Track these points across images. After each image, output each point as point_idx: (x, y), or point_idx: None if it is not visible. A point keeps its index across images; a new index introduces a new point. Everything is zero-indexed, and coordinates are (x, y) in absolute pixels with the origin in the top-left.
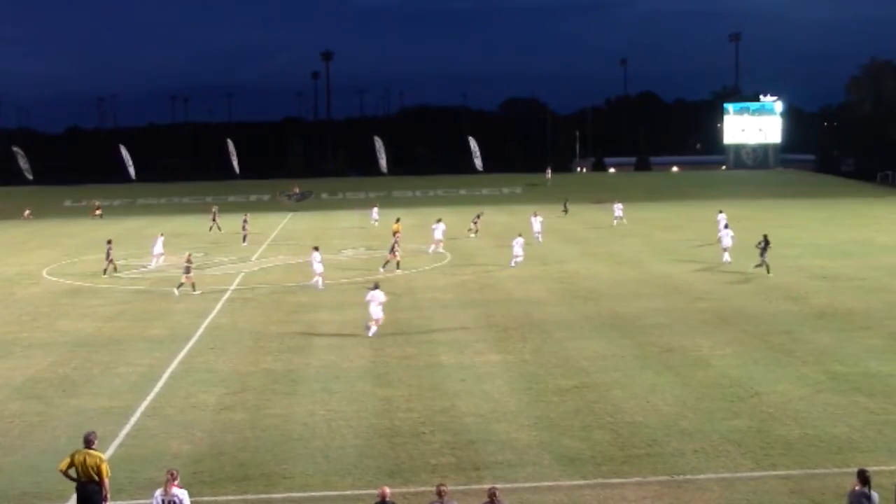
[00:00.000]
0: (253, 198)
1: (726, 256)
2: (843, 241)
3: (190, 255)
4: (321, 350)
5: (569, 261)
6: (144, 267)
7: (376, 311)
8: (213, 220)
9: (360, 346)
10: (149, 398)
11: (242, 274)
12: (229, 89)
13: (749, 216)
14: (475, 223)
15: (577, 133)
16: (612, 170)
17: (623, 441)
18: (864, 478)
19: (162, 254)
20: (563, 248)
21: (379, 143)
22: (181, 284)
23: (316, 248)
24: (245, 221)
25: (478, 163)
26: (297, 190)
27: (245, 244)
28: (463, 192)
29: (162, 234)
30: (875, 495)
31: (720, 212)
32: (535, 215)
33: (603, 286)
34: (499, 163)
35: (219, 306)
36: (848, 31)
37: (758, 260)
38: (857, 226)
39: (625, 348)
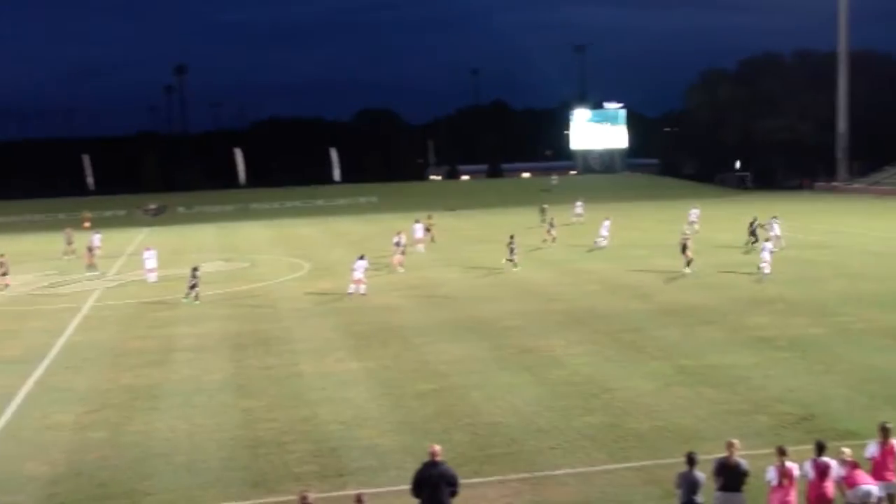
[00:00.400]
0: (108, 213)
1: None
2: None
3: (197, 266)
4: (181, 364)
5: (425, 268)
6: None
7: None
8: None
9: (221, 359)
10: (2, 421)
11: (99, 290)
12: (82, 105)
13: (598, 219)
14: (429, 230)
15: (431, 142)
16: (465, 177)
17: (483, 441)
18: (690, 459)
19: (155, 269)
20: (418, 255)
21: (237, 154)
22: (188, 294)
23: (361, 257)
24: (94, 239)
25: (336, 173)
26: (152, 205)
27: (91, 264)
28: (320, 202)
29: (151, 248)
30: (701, 475)
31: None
32: (418, 222)
33: (459, 291)
34: (355, 173)
35: (75, 323)
36: (686, 42)
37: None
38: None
39: (482, 351)
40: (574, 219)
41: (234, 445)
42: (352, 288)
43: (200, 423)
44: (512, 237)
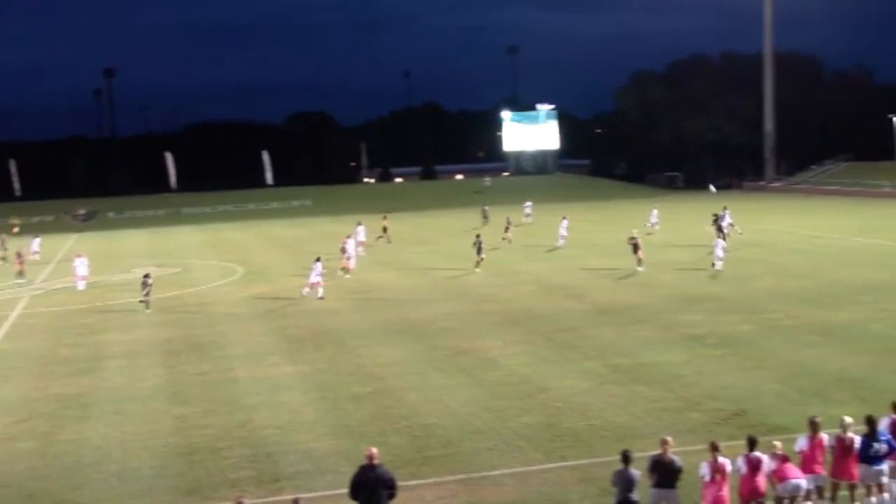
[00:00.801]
0: (36, 219)
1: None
2: (620, 241)
3: (148, 273)
4: (113, 371)
5: (359, 269)
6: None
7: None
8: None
9: (153, 366)
10: None
11: (27, 298)
12: (8, 109)
13: (532, 220)
14: (385, 230)
15: (364, 144)
16: (398, 179)
17: (419, 443)
18: (625, 457)
19: (85, 276)
20: (358, 257)
21: (168, 158)
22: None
23: (318, 259)
24: (34, 244)
25: (269, 177)
26: (81, 211)
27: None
28: (252, 206)
29: (82, 255)
30: (636, 473)
31: (724, 208)
32: (360, 224)
33: (395, 293)
34: (288, 176)
35: (2, 332)
36: (617, 44)
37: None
38: (630, 225)
39: (418, 353)
40: (524, 219)
41: (167, 453)
42: (306, 290)
43: (133, 430)
44: (478, 236)
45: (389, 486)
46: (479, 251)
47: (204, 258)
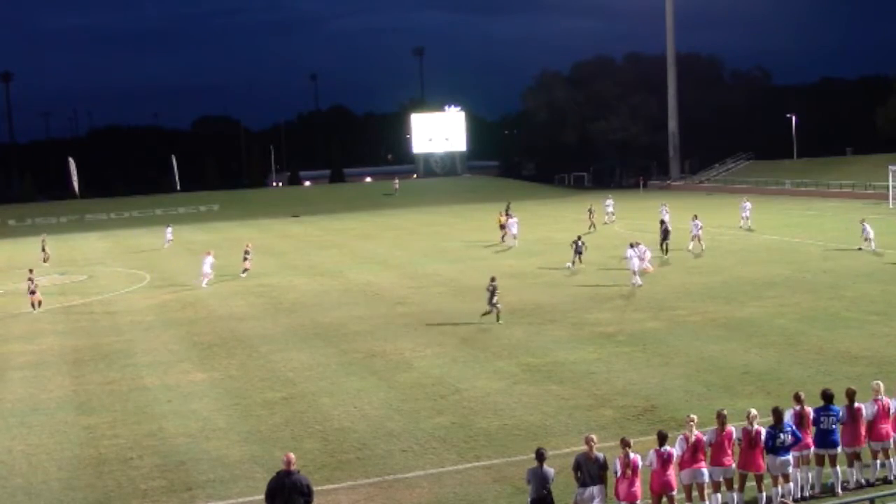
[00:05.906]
0: None
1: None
2: (529, 241)
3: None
4: (16, 383)
5: (269, 274)
6: None
7: (635, 264)
8: (43, 249)
9: (59, 376)
10: None
11: None
12: None
13: (441, 222)
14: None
15: (271, 148)
16: (307, 183)
17: (333, 447)
18: (539, 455)
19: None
20: (262, 261)
21: (72, 164)
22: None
23: (632, 245)
24: None
25: (176, 181)
26: None
27: None
28: (159, 211)
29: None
30: (550, 470)
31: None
32: (512, 217)
33: (305, 297)
34: (195, 181)
35: None
36: (523, 46)
37: (573, 259)
38: (539, 225)
39: (330, 357)
40: (606, 218)
41: (75, 464)
42: (636, 280)
43: (38, 442)
44: (579, 237)
45: (305, 493)
46: (577, 252)
47: (110, 265)
